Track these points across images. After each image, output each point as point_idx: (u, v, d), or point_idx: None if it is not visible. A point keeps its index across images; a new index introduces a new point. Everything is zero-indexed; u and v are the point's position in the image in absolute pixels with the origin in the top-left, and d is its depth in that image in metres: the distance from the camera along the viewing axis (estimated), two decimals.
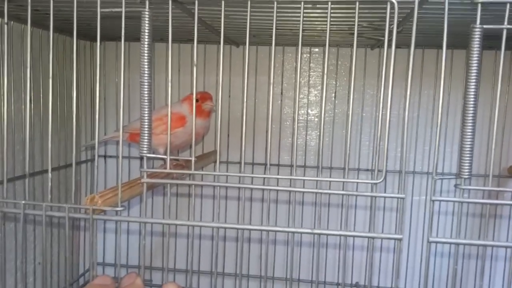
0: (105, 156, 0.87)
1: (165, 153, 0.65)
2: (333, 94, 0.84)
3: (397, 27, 0.57)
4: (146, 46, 0.40)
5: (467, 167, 0.40)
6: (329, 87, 0.84)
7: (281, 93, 0.85)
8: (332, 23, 0.61)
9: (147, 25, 0.40)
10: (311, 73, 0.85)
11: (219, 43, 0.82)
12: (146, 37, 0.40)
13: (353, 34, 0.68)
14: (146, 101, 0.41)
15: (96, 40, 0.86)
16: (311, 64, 0.85)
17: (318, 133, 0.83)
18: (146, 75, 0.41)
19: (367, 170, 0.84)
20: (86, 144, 0.85)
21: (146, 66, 0.40)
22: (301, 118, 0.86)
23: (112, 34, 0.77)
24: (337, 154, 0.84)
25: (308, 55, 0.84)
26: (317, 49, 0.84)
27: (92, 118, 0.87)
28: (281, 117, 0.85)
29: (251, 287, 0.88)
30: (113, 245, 0.89)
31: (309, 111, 0.86)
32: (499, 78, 0.41)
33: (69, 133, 0.79)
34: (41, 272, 0.72)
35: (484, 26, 0.39)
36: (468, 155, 0.40)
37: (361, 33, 0.65)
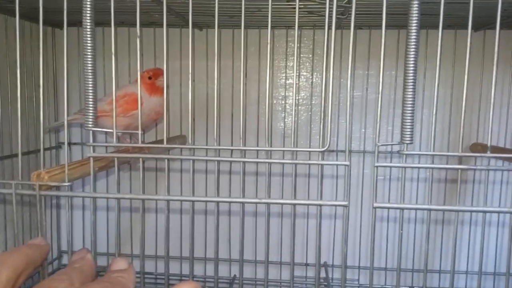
0: (69, 143, 0.86)
1: (124, 135, 0.65)
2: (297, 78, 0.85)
3: (349, 3, 0.58)
4: (88, 17, 0.40)
5: (408, 133, 0.41)
6: (293, 69, 0.85)
7: (245, 76, 0.85)
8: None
9: None
10: (274, 57, 0.85)
11: (182, 26, 0.82)
12: (88, 4, 0.39)
13: (312, 13, 0.69)
14: (90, 74, 0.41)
15: (57, 27, 0.85)
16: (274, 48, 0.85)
17: (283, 116, 0.83)
18: (89, 46, 0.40)
19: (332, 151, 0.85)
20: (49, 126, 0.83)
21: (89, 38, 0.40)
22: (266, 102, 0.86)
23: (74, 19, 0.76)
24: (302, 137, 0.85)
25: (272, 37, 0.85)
26: (277, 32, 0.84)
27: (56, 103, 0.86)
28: (245, 101, 0.85)
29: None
30: (81, 235, 0.88)
31: (274, 94, 0.86)
32: (437, 55, 0.43)
33: (37, 119, 0.78)
34: None
35: None
36: (409, 121, 0.41)
37: (317, 11, 0.65)
